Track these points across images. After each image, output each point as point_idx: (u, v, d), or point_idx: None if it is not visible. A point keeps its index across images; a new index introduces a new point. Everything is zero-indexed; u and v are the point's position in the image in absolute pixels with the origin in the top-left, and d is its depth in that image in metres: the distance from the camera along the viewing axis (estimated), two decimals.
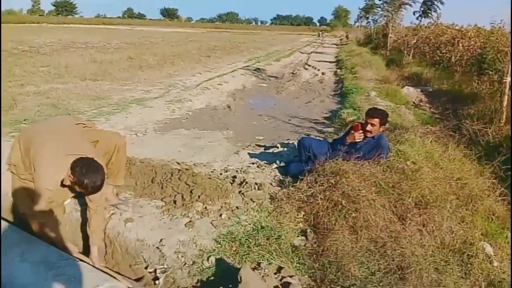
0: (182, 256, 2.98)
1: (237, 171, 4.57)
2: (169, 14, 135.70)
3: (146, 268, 3.04)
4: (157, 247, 3.07)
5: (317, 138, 5.36)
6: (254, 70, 15.12)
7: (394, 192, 3.67)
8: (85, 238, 3.14)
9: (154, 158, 4.75)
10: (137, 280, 2.99)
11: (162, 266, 2.97)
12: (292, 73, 15.63)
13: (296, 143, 5.82)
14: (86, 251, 3.06)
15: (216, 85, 10.94)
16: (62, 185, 2.78)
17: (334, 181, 3.60)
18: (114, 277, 2.86)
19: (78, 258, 2.79)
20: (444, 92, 10.77)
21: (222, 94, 10.31)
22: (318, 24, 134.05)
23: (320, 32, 57.05)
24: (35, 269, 2.61)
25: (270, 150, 5.63)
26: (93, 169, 2.68)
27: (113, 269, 3.14)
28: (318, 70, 16.35)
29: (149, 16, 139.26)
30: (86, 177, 2.64)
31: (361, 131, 4.26)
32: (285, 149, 5.61)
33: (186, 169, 3.98)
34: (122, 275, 2.96)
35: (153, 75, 11.57)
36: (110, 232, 3.28)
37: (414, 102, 10.31)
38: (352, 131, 4.33)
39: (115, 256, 3.22)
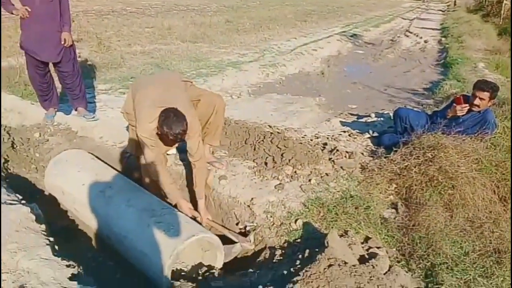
0: (271, 217, 3.09)
1: (327, 138, 4.54)
2: None
3: (237, 224, 3.21)
4: (248, 206, 3.21)
5: (415, 109, 5.10)
6: (351, 36, 14.56)
7: (498, 171, 3.41)
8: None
9: (248, 120, 4.90)
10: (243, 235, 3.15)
11: (252, 224, 3.11)
12: (392, 40, 14.80)
13: (391, 114, 5.62)
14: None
15: (310, 50, 10.77)
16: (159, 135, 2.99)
17: (431, 155, 3.43)
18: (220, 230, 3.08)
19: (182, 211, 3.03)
20: None
21: (316, 60, 10.15)
22: None
23: None
24: (139, 214, 2.89)
25: (363, 119, 5.49)
26: (173, 119, 2.80)
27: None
28: (420, 37, 15.27)
29: None
30: (165, 125, 2.80)
31: (464, 105, 3.97)
32: (380, 119, 5.43)
33: (278, 132, 4.05)
34: (228, 229, 3.15)
35: (249, 39, 11.69)
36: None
37: None
38: (454, 104, 4.05)
39: (209, 210, 3.43)
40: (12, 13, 4.13)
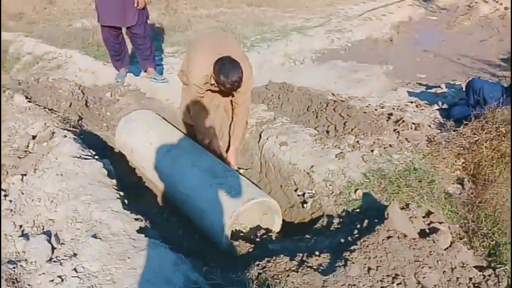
0: (331, 185, 3.09)
1: (393, 108, 4.39)
2: None
3: (295, 190, 3.25)
4: (308, 173, 3.22)
5: (490, 81, 4.76)
6: (424, 0, 13.67)
7: None
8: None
9: (311, 87, 4.83)
10: None
11: (310, 191, 3.13)
12: (468, 6, 13.67)
13: (463, 85, 5.30)
14: None
15: (379, 15, 10.26)
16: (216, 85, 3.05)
17: (505, 130, 3.22)
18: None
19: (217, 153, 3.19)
20: None
21: (385, 26, 9.67)
22: None
23: None
24: (202, 175, 3.00)
25: (433, 90, 5.23)
26: (230, 67, 2.84)
27: (265, 188, 3.43)
28: (500, 4, 13.97)
29: None
30: (222, 74, 2.84)
31: None
32: (451, 90, 5.14)
33: (341, 101, 3.97)
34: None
35: (315, 3, 11.34)
36: (266, 152, 3.54)
37: None
38: None
39: (269, 175, 3.49)
40: None
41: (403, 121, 3.73)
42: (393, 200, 2.88)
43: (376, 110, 4.30)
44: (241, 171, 3.57)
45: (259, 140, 3.64)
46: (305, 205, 3.11)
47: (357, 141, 3.45)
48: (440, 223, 2.74)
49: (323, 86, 5.17)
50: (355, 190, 3.01)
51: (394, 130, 3.61)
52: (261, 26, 8.31)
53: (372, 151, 3.36)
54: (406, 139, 3.49)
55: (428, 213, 2.84)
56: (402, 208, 2.78)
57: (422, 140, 3.50)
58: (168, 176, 3.22)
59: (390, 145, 3.42)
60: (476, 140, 3.30)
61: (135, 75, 5.17)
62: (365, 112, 3.75)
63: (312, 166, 3.24)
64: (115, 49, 4.78)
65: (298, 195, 3.22)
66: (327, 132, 3.57)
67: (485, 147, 3.19)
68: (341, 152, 3.33)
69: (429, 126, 3.96)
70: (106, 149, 4.00)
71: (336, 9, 10.59)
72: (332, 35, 8.17)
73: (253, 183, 3.23)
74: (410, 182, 3.02)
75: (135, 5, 4.41)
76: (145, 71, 5.07)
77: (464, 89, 4.34)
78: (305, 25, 8.70)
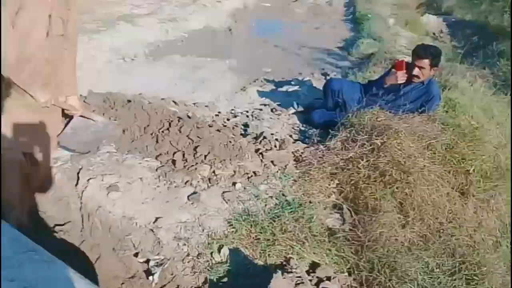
0: (185, 244, 2.23)
1: (247, 116, 3.73)
2: None
3: (135, 255, 2.30)
4: (151, 229, 2.30)
5: (348, 79, 4.45)
6: None
7: (453, 158, 2.88)
8: None
9: (146, 93, 3.87)
10: None
11: (157, 257, 2.22)
12: None
13: (313, 81, 4.96)
14: None
15: (214, 2, 9.61)
16: None
17: (380, 142, 2.79)
18: None
19: None
20: (468, 23, 9.64)
21: (221, 14, 9.07)
22: None
23: None
24: None
25: (284, 88, 4.73)
26: None
27: (91, 252, 2.41)
28: None
29: None
30: None
31: (405, 71, 3.39)
32: (302, 87, 4.71)
33: (189, 116, 3.10)
34: None
35: None
36: (88, 202, 2.49)
37: (433, 33, 9.22)
38: (394, 70, 3.46)
39: (95, 234, 2.46)
40: None
41: (264, 137, 3.05)
42: (268, 255, 2.18)
43: (228, 120, 3.58)
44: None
45: (77, 183, 2.55)
46: (151, 277, 2.19)
47: (213, 172, 2.64)
48: (329, 278, 2.13)
49: (162, 90, 4.24)
50: (219, 248, 2.21)
51: (256, 151, 2.90)
52: (79, 15, 6.85)
53: (234, 184, 2.59)
54: (272, 161, 2.82)
55: (313, 265, 2.22)
56: (282, 266, 2.10)
57: (289, 161, 2.87)
58: None
59: (255, 173, 2.70)
60: (350, 157, 2.80)
61: None
62: (219, 130, 2.95)
63: (156, 219, 2.32)
64: None
65: (140, 262, 2.28)
66: (173, 162, 2.68)
67: (362, 165, 2.70)
68: (194, 192, 2.49)
69: (291, 136, 3.39)
70: None
71: None
72: (166, 25, 7.20)
73: (70, 250, 2.20)
74: (285, 223, 2.35)
75: None
76: None
77: (322, 90, 3.89)
78: (134, 12, 7.55)
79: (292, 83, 4.87)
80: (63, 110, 2.47)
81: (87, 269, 2.44)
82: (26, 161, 2.24)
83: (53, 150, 2.66)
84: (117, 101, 3.24)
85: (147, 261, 2.25)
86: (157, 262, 2.21)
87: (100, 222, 2.43)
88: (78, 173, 2.60)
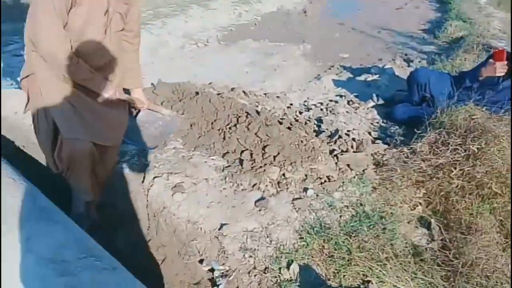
0: (251, 256, 2.06)
1: (321, 109, 3.46)
2: None
3: (200, 262, 2.17)
4: (216, 236, 2.15)
5: (435, 70, 3.99)
6: None
7: None
8: None
9: (216, 82, 3.73)
10: None
11: (222, 267, 2.07)
12: None
13: (394, 69, 4.54)
14: None
15: None
16: None
17: (477, 148, 2.40)
18: None
19: None
20: None
21: None
22: None
23: None
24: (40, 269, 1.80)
25: (362, 77, 4.38)
26: None
27: (157, 253, 2.33)
28: None
29: None
30: None
31: (505, 62, 2.94)
32: (383, 76, 4.32)
33: (257, 111, 2.90)
34: None
35: None
36: (153, 200, 2.40)
37: None
38: (492, 60, 3.00)
39: (161, 235, 2.37)
40: None
41: (340, 136, 2.78)
42: (343, 277, 1.94)
43: (301, 113, 3.33)
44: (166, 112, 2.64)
45: (143, 180, 2.47)
46: None
47: (283, 175, 2.43)
48: None
49: (232, 78, 4.10)
50: (288, 264, 2.01)
51: (331, 152, 2.64)
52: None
53: (305, 190, 2.37)
54: (348, 165, 2.54)
55: None
56: None
57: (368, 165, 2.58)
58: None
59: (329, 178, 2.45)
60: (439, 164, 2.45)
61: None
62: (289, 128, 2.73)
63: (221, 226, 2.17)
64: None
65: (205, 270, 2.15)
66: (240, 162, 2.51)
67: (454, 174, 2.35)
68: (262, 198, 2.30)
69: (370, 134, 3.08)
70: None
71: None
72: (239, 7, 7.03)
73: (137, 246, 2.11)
74: (363, 240, 2.09)
75: None
76: None
77: (406, 83, 3.50)
78: None
79: (372, 71, 4.49)
80: (129, 104, 2.38)
81: (152, 270, 2.39)
82: (95, 152, 2.19)
83: (121, 144, 2.60)
84: (185, 92, 3.12)
85: (212, 270, 2.11)
86: (222, 273, 2.06)
87: (165, 224, 2.34)
88: (144, 170, 2.52)
